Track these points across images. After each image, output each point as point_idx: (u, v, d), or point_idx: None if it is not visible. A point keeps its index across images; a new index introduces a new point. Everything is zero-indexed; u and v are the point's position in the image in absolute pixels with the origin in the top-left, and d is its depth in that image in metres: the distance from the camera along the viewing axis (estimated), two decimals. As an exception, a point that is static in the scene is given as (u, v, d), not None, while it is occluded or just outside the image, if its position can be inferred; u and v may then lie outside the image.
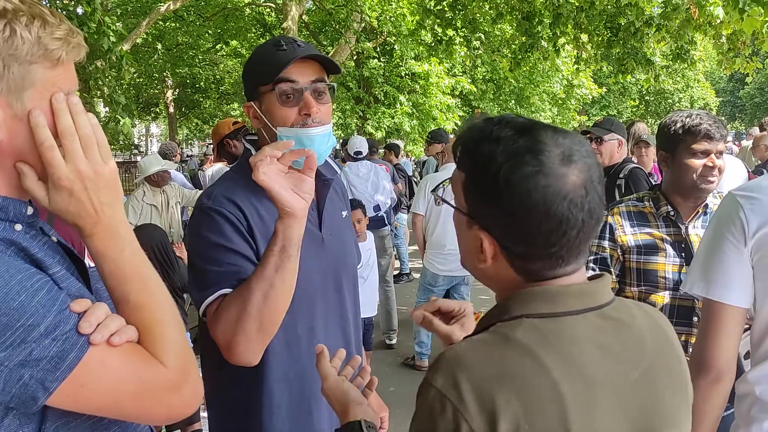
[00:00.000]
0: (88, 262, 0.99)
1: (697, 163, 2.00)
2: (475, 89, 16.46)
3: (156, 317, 0.92)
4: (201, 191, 5.45)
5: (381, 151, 9.08)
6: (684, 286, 1.63)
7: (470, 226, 0.91)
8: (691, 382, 1.00)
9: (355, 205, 4.29)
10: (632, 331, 0.92)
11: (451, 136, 7.64)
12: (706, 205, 2.11)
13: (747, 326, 1.57)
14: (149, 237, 3.44)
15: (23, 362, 0.78)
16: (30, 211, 0.92)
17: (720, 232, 1.51)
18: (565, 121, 21.79)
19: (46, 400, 0.80)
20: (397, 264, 7.74)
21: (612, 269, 2.14)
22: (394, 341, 5.45)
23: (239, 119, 5.05)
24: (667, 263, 2.07)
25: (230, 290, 1.32)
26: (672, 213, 2.10)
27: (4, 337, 0.76)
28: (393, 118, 13.69)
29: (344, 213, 1.69)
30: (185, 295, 3.74)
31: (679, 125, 2.02)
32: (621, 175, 3.65)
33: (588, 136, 3.78)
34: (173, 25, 17.24)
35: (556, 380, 0.82)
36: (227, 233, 1.37)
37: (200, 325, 1.48)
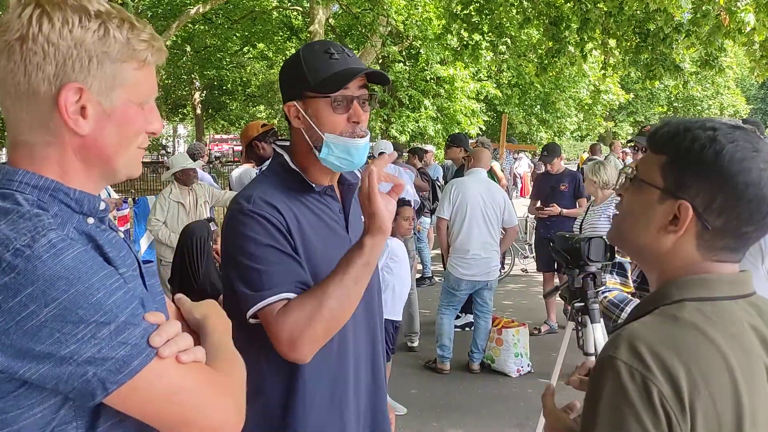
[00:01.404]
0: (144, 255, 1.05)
1: None
2: (500, 94, 16.40)
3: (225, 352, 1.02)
4: (230, 191, 5.56)
5: (405, 155, 9.10)
6: None
7: (663, 200, 1.00)
8: None
9: (403, 202, 4.22)
10: None
11: (472, 141, 7.63)
12: None
13: None
14: (196, 229, 3.57)
15: (90, 359, 0.81)
16: (102, 206, 0.97)
17: None
18: (591, 126, 21.58)
19: (103, 399, 0.83)
20: (419, 267, 7.76)
21: (629, 275, 2.15)
22: (416, 344, 5.47)
23: (266, 122, 5.13)
24: None
25: (292, 294, 1.37)
26: None
27: (77, 330, 0.80)
28: (417, 122, 13.70)
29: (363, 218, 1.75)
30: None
31: None
32: None
33: (633, 145, 3.78)
34: (202, 27, 17.48)
35: (725, 353, 0.92)
36: (273, 234, 1.41)
37: (235, 324, 1.51)
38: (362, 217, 1.72)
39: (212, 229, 3.90)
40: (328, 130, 1.45)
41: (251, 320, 1.39)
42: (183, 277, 3.63)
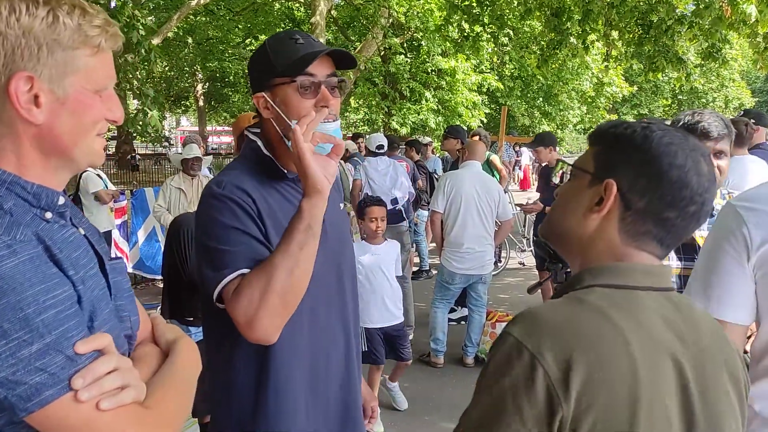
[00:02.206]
0: (115, 251, 1.02)
1: None
2: (502, 86, 16.33)
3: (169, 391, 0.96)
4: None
5: (402, 147, 9.07)
6: None
7: (593, 184, 1.02)
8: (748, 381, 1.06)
9: (372, 201, 3.99)
10: (692, 316, 1.01)
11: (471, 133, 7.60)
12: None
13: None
14: (184, 221, 3.54)
15: (3, 380, 0.77)
16: (62, 200, 0.94)
17: (720, 245, 1.45)
18: (594, 119, 21.47)
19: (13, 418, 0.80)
20: (416, 260, 7.74)
21: None
22: (410, 337, 5.46)
23: (253, 114, 5.15)
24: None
25: (248, 270, 1.34)
26: None
27: None
28: (418, 114, 13.67)
29: (341, 205, 1.73)
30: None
31: (680, 124, 2.02)
32: None
33: None
34: (204, 19, 17.46)
35: (628, 339, 0.90)
36: (240, 217, 1.39)
37: (207, 313, 1.50)
38: (339, 203, 1.70)
39: None
40: (295, 116, 1.42)
41: (219, 305, 1.37)
42: (171, 269, 3.62)
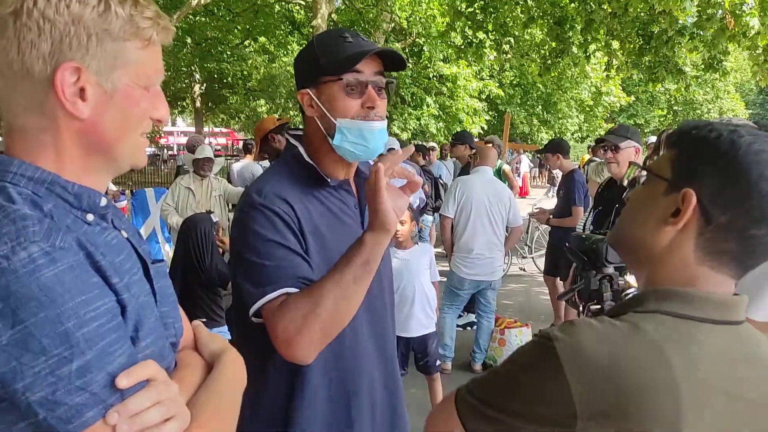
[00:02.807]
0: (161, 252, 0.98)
1: None
2: (502, 93, 16.39)
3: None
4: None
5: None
6: None
7: (669, 192, 0.92)
8: None
9: None
10: (758, 354, 0.91)
11: (477, 139, 7.61)
12: None
13: None
14: (199, 221, 3.53)
15: (42, 401, 0.72)
16: (104, 202, 0.90)
17: None
18: (592, 128, 21.59)
19: None
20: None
21: None
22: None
23: (276, 116, 5.16)
24: None
25: (293, 289, 1.30)
26: None
27: (36, 362, 0.72)
28: (419, 119, 13.67)
29: None
30: (221, 291, 3.76)
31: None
32: None
33: (603, 144, 3.50)
34: (203, 19, 17.41)
35: (676, 378, 0.82)
36: (281, 230, 1.35)
37: (241, 323, 1.46)
38: None
39: (214, 221, 3.88)
40: (340, 115, 1.40)
41: (254, 319, 1.34)
42: (188, 268, 3.60)
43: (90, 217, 0.87)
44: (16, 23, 0.79)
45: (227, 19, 17.30)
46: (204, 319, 3.32)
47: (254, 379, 1.46)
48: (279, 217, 1.36)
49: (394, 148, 5.67)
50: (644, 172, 1.02)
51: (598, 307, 2.16)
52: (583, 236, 2.28)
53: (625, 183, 2.94)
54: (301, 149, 1.49)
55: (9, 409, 0.74)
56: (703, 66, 9.76)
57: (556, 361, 0.83)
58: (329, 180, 1.47)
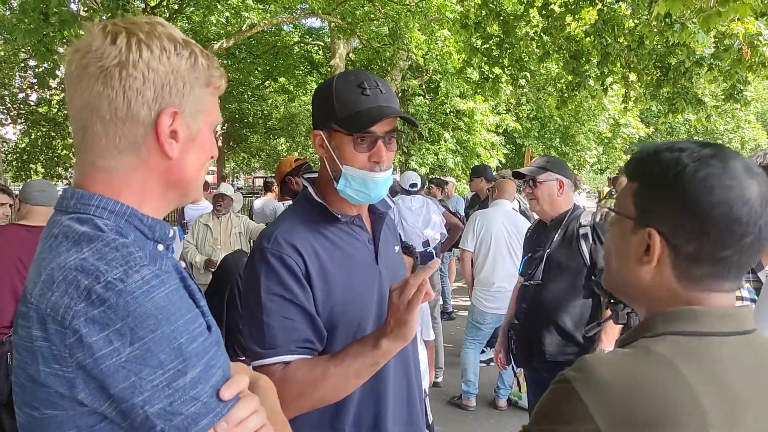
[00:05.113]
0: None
1: None
2: (519, 127, 16.44)
3: None
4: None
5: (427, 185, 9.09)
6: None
7: (636, 230, 0.94)
8: None
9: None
10: None
11: (495, 173, 7.61)
12: None
13: None
14: (236, 265, 3.44)
15: (160, 412, 0.78)
16: (171, 233, 0.97)
17: None
18: (611, 160, 21.49)
19: None
20: (440, 302, 7.65)
21: None
22: (440, 379, 5.36)
23: (299, 156, 5.21)
24: None
25: (290, 356, 1.37)
26: None
27: (154, 375, 0.77)
28: (437, 154, 13.74)
29: (396, 248, 1.71)
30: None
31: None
32: (584, 223, 2.94)
33: (524, 179, 3.07)
34: (225, 62, 17.81)
35: (698, 394, 0.82)
36: (286, 282, 1.39)
37: None
38: (395, 246, 1.68)
39: None
40: (347, 163, 1.44)
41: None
42: (229, 305, 3.52)
43: (160, 247, 0.94)
44: (122, 73, 0.87)
45: (248, 61, 17.71)
46: (242, 358, 3.27)
47: None
48: (286, 266, 1.40)
49: (416, 184, 5.70)
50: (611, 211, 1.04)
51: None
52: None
53: (597, 220, 2.87)
54: (311, 190, 1.53)
55: (109, 429, 0.80)
56: (723, 96, 9.72)
57: (579, 402, 0.84)
58: (340, 217, 1.50)
